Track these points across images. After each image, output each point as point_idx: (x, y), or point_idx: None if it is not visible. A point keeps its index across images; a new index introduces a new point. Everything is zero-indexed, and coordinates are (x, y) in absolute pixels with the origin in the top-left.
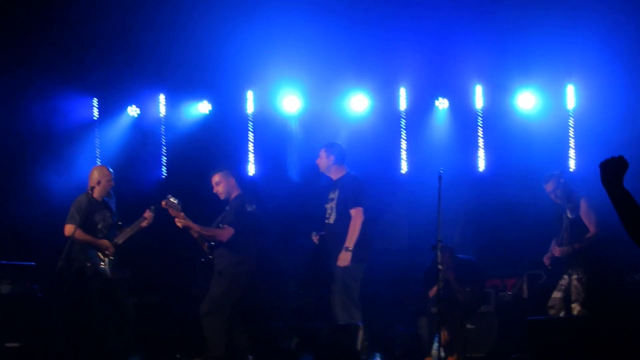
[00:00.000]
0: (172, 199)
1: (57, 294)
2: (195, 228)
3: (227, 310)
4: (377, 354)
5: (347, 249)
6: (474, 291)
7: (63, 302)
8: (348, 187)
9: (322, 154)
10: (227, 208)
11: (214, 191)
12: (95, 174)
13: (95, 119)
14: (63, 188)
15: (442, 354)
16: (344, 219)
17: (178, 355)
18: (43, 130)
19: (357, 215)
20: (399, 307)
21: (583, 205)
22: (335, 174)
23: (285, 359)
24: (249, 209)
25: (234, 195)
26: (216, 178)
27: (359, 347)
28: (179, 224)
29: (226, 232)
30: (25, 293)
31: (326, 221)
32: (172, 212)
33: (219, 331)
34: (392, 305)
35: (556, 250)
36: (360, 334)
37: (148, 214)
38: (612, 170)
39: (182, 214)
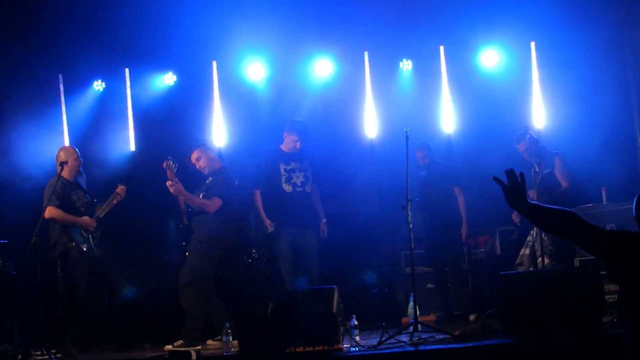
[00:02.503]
0: (172, 162)
1: (30, 271)
2: (187, 195)
3: (205, 280)
4: (353, 316)
5: (324, 222)
6: None
7: (36, 279)
8: (315, 160)
9: (295, 137)
10: (211, 179)
11: (197, 167)
12: (61, 154)
13: (62, 95)
14: (32, 167)
15: (418, 313)
16: (314, 190)
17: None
18: (9, 108)
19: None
20: (372, 269)
21: (558, 162)
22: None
23: (262, 325)
24: (236, 183)
25: (217, 167)
26: (195, 155)
27: (334, 309)
28: (171, 189)
29: (215, 204)
30: None
31: (299, 189)
32: (169, 174)
33: (198, 301)
34: (366, 268)
35: (532, 194)
36: (336, 296)
37: (120, 188)
38: (514, 195)
39: (176, 178)
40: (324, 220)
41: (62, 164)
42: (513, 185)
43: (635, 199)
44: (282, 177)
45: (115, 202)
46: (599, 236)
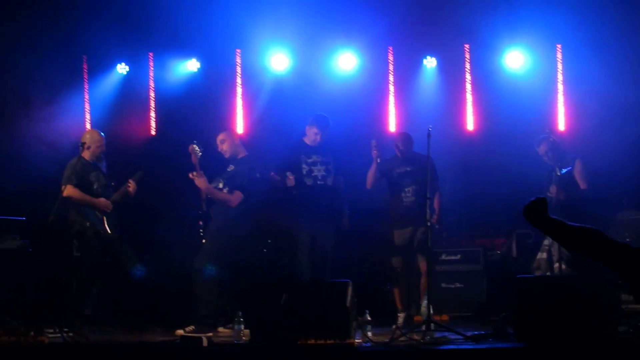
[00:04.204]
0: (196, 146)
1: (47, 249)
2: (209, 189)
3: (220, 267)
4: (366, 311)
5: (348, 214)
6: None
7: (52, 257)
8: (339, 154)
9: (315, 129)
10: (233, 167)
11: (219, 149)
12: (87, 137)
13: (85, 76)
14: (53, 146)
15: (432, 312)
16: (336, 183)
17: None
18: (33, 88)
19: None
20: (386, 266)
21: (578, 165)
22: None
23: (274, 315)
24: (257, 175)
25: (240, 155)
26: (221, 137)
27: (348, 303)
28: (195, 180)
29: (237, 198)
30: (16, 247)
31: (319, 182)
32: (193, 158)
33: (211, 288)
34: (380, 264)
35: (553, 189)
36: (350, 290)
37: (130, 182)
38: (535, 215)
39: (201, 171)
40: (346, 214)
41: (84, 144)
42: (533, 202)
43: None
44: (303, 170)
45: (128, 191)
46: (625, 256)
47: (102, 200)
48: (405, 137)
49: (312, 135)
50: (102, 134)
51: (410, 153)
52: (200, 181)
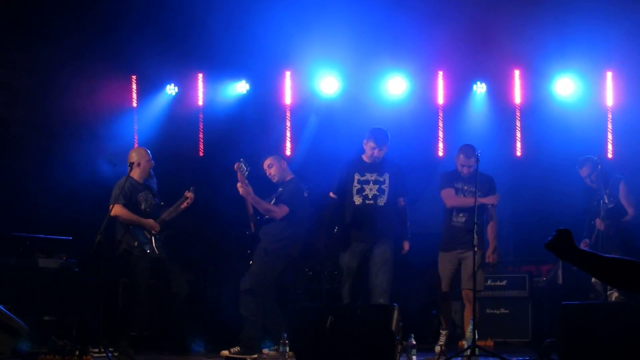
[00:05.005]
0: (243, 164)
1: (93, 268)
2: (255, 198)
3: (266, 289)
4: (411, 335)
5: (409, 238)
6: None
7: (99, 276)
8: (402, 174)
9: (372, 143)
10: (280, 189)
11: (267, 174)
12: (133, 155)
13: (134, 97)
14: (101, 166)
15: (477, 337)
16: (392, 204)
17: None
18: (82, 108)
19: (405, 204)
20: (433, 290)
21: (622, 188)
22: (379, 158)
23: (319, 338)
24: (305, 195)
25: (287, 178)
26: (268, 161)
27: (393, 327)
28: (240, 189)
29: (282, 210)
30: (62, 267)
31: (369, 202)
32: (239, 176)
33: (257, 309)
34: (427, 288)
35: (599, 223)
36: (396, 314)
37: (188, 194)
38: (560, 247)
39: (246, 181)
40: (407, 238)
41: (132, 164)
42: (555, 237)
43: None
44: (354, 188)
45: (182, 207)
46: None
47: (150, 221)
48: (469, 149)
49: (369, 150)
50: (148, 150)
51: (473, 171)
52: (245, 190)
